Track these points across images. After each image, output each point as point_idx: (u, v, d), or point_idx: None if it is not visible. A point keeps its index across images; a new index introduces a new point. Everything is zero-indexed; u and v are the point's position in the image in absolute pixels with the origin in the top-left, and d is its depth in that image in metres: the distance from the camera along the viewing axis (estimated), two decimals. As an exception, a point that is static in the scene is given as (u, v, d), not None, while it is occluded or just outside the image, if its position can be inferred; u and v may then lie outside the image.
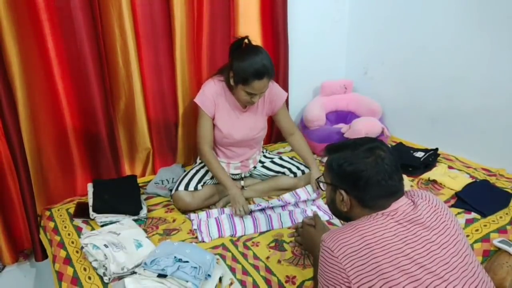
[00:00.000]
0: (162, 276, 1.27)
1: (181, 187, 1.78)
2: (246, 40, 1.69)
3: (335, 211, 1.15)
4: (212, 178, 1.87)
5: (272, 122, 2.51)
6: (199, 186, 1.80)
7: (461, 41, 2.09)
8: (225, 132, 1.82)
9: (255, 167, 2.00)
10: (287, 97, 2.47)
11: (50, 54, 1.71)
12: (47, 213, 1.82)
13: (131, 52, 1.88)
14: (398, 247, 0.93)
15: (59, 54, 1.73)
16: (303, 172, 1.94)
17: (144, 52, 1.93)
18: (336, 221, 1.71)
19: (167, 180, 2.02)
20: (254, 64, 1.60)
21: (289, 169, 1.95)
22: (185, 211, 1.80)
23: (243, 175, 1.97)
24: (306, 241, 1.47)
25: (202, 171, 1.88)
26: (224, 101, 1.80)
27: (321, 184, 1.21)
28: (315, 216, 1.50)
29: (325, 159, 1.90)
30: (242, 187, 1.93)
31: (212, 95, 1.78)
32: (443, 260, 0.94)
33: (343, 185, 1.07)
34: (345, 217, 1.14)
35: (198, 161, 2.01)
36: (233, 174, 1.94)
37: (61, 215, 1.78)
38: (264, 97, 1.83)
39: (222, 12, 2.04)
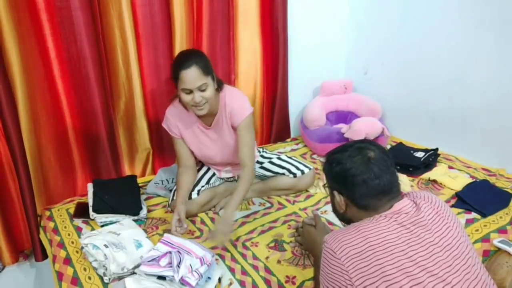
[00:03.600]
0: (162, 278, 1.27)
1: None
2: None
3: (335, 212, 1.17)
4: (207, 183, 1.87)
5: (270, 122, 2.52)
6: (194, 195, 1.78)
7: (461, 41, 2.09)
8: (199, 154, 1.80)
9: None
10: (287, 98, 2.50)
11: (50, 55, 1.71)
12: (47, 213, 1.82)
13: (131, 52, 1.88)
14: (401, 249, 0.93)
15: (59, 55, 1.73)
16: (302, 172, 1.94)
17: (144, 53, 1.93)
18: (336, 221, 1.71)
19: (167, 180, 2.02)
20: (179, 58, 1.59)
21: (288, 170, 1.94)
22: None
23: (237, 177, 1.94)
24: (306, 241, 1.47)
25: (196, 178, 1.86)
26: (187, 122, 1.74)
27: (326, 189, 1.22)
28: (315, 216, 1.50)
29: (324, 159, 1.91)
30: None
31: (174, 118, 1.74)
32: (446, 262, 0.94)
33: (336, 186, 1.10)
34: (345, 219, 1.15)
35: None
36: (226, 178, 1.94)
37: (61, 215, 1.78)
38: (225, 106, 1.70)
39: (222, 13, 2.05)
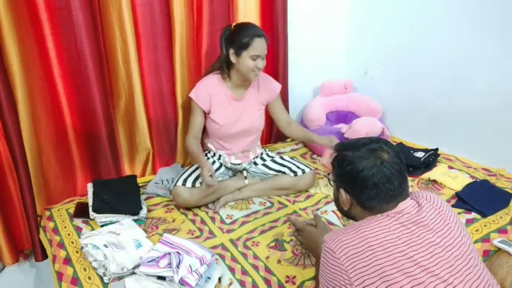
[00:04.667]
0: (161, 278, 1.27)
1: (179, 183, 1.79)
2: (234, 24, 1.86)
3: (338, 207, 1.17)
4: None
5: (271, 122, 2.52)
6: (197, 183, 1.80)
7: (461, 41, 2.09)
8: (222, 123, 1.89)
9: (256, 163, 2.01)
10: (287, 98, 2.50)
11: (50, 54, 1.71)
12: (47, 213, 1.82)
13: (131, 52, 1.88)
14: (401, 250, 0.92)
15: (59, 54, 1.73)
16: (303, 171, 1.95)
17: (144, 52, 1.93)
18: (337, 221, 1.71)
19: (167, 180, 2.02)
20: (251, 28, 1.80)
21: (289, 168, 1.95)
22: (184, 208, 1.82)
23: (244, 166, 1.99)
24: (307, 241, 1.46)
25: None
26: (219, 93, 1.89)
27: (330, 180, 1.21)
28: (316, 216, 1.50)
29: (324, 160, 1.93)
30: (245, 178, 1.97)
31: (206, 88, 1.88)
32: (447, 262, 0.93)
33: (343, 184, 1.09)
34: (347, 215, 1.15)
35: None
36: (234, 164, 1.97)
37: (61, 215, 1.78)
38: (259, 85, 1.96)
39: (221, 12, 2.05)
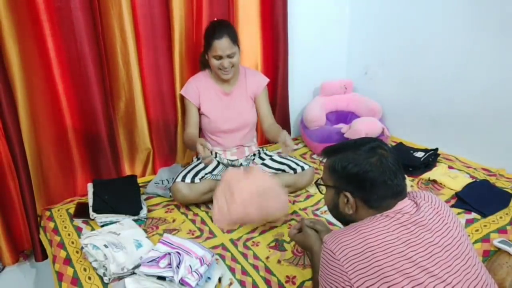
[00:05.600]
0: (161, 278, 1.27)
1: (179, 179, 1.81)
2: (215, 19, 1.91)
3: (338, 215, 1.13)
4: (211, 172, 1.89)
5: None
6: (197, 179, 1.81)
7: (461, 41, 2.09)
8: (212, 118, 1.93)
9: (254, 161, 2.01)
10: (287, 98, 2.50)
11: (50, 55, 1.71)
12: (47, 213, 1.82)
13: (131, 52, 1.89)
14: (400, 250, 0.92)
15: (59, 55, 1.73)
16: (302, 168, 1.95)
17: (144, 53, 1.93)
18: (336, 221, 1.71)
19: (167, 180, 2.02)
20: (212, 28, 1.83)
21: (289, 166, 1.96)
22: (185, 207, 1.83)
23: (240, 162, 2.00)
24: (300, 245, 1.47)
25: (200, 166, 1.91)
26: (208, 88, 1.96)
27: (320, 188, 1.18)
28: (301, 221, 1.50)
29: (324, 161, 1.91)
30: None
31: (195, 84, 1.96)
32: (446, 262, 0.93)
33: (348, 187, 1.06)
34: (348, 221, 1.10)
35: (195, 158, 2.05)
36: (230, 160, 1.99)
37: (61, 215, 1.78)
38: (246, 79, 2.00)
39: (221, 13, 2.05)
